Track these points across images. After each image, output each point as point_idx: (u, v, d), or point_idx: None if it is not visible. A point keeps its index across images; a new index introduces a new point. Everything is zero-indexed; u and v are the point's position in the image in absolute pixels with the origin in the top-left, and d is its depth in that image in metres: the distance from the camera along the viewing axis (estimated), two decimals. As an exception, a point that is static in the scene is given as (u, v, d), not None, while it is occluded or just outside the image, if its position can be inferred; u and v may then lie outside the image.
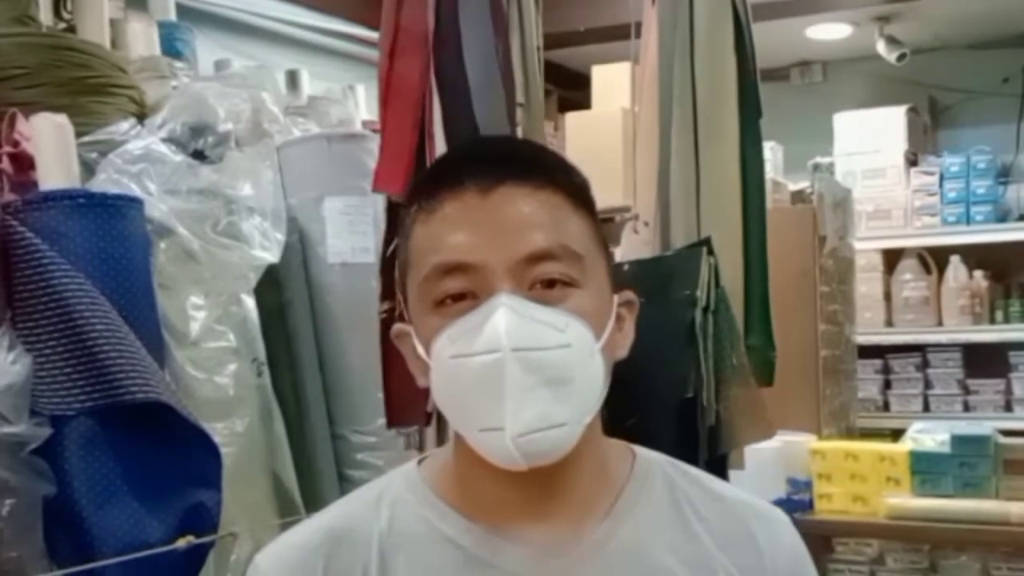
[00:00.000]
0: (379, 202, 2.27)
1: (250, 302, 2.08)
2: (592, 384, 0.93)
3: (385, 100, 1.91)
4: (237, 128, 2.40)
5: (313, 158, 2.43)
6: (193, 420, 1.82)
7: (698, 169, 1.91)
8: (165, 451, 1.81)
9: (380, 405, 2.18)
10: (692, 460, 1.84)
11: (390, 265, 1.92)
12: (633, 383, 1.89)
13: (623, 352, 1.00)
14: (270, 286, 2.18)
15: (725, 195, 1.91)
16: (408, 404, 1.93)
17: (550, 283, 0.92)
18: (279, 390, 2.14)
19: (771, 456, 3.16)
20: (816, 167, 5.02)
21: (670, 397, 1.86)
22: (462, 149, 1.03)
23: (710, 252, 1.83)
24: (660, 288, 1.85)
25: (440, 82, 1.83)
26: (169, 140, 2.22)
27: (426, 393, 1.79)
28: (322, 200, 2.38)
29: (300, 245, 2.34)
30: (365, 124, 3.29)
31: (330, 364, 2.33)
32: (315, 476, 2.20)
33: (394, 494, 1.00)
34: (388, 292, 1.92)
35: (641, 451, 1.07)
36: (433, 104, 1.82)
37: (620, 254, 1.92)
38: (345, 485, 2.29)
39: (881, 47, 4.86)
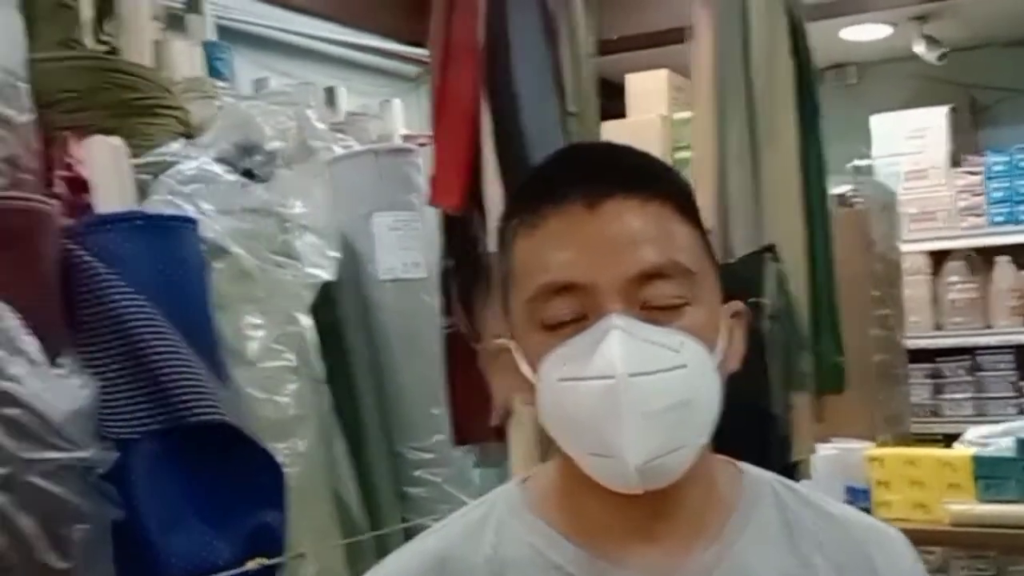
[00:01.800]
0: (429, 216, 2.25)
1: (306, 320, 2.07)
2: (709, 403, 0.91)
3: (439, 113, 1.90)
4: (284, 146, 2.39)
5: (361, 174, 2.42)
6: (257, 440, 1.80)
7: (757, 172, 1.88)
8: (230, 472, 1.79)
9: (437, 421, 2.16)
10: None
11: (449, 280, 1.90)
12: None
13: (735, 365, 0.97)
14: (325, 304, 2.17)
15: (786, 198, 1.88)
16: (474, 420, 1.90)
17: (662, 301, 0.89)
18: (337, 409, 2.12)
19: (828, 464, 3.11)
20: (857, 170, 4.96)
21: (738, 407, 1.82)
22: (564, 158, 0.96)
23: (775, 258, 1.79)
24: (724, 296, 1.82)
25: (490, 93, 1.81)
26: (219, 160, 2.21)
27: (491, 408, 1.77)
28: (371, 216, 2.37)
29: (351, 262, 2.33)
30: (404, 138, 3.28)
31: (385, 381, 2.32)
32: (375, 494, 2.18)
33: (498, 517, 0.97)
34: (450, 307, 1.90)
35: (748, 468, 1.03)
36: (483, 116, 1.80)
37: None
38: (404, 502, 2.27)
39: (920, 47, 4.80)
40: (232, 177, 2.08)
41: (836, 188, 4.10)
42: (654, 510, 0.92)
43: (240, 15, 3.70)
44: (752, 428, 1.81)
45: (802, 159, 1.90)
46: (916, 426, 4.38)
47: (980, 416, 4.50)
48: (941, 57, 4.79)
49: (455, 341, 1.86)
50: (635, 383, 0.85)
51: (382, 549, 2.02)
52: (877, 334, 3.58)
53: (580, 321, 0.88)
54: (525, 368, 0.91)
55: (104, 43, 2.80)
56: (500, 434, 1.84)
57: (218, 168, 2.08)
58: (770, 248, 1.81)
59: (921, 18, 4.79)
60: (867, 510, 3.05)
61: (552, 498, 0.97)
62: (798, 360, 1.81)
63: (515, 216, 0.93)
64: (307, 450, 1.96)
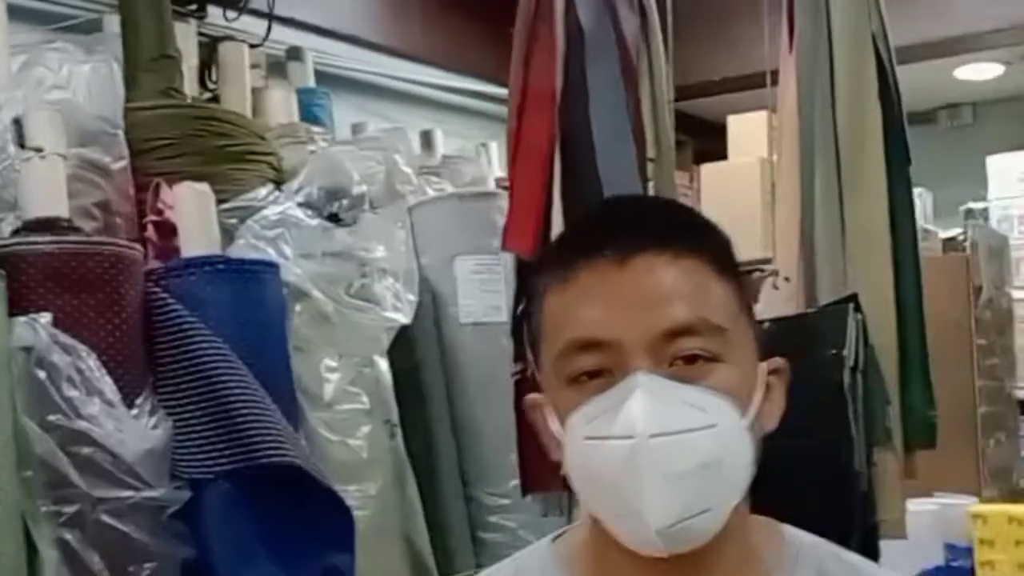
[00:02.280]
0: (510, 261, 2.25)
1: (383, 363, 2.08)
2: (740, 464, 0.87)
3: (514, 159, 1.90)
4: (371, 190, 2.42)
5: (445, 218, 2.44)
6: (326, 483, 1.82)
7: (843, 220, 1.82)
8: (300, 514, 1.81)
9: (513, 466, 2.14)
10: (845, 530, 1.75)
11: (521, 325, 1.89)
12: (777, 448, 1.81)
13: (772, 424, 0.94)
14: (402, 347, 2.18)
15: (873, 246, 1.82)
16: (544, 469, 1.86)
17: (691, 359, 0.87)
18: (411, 452, 2.13)
19: (927, 521, 2.98)
20: (969, 213, 4.80)
21: (819, 463, 1.76)
22: (596, 213, 0.96)
23: (857, 308, 1.73)
24: (804, 347, 1.76)
25: (565, 139, 1.81)
26: (306, 204, 2.26)
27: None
28: (453, 260, 2.38)
29: (432, 305, 2.34)
30: (498, 182, 3.30)
31: (462, 425, 2.32)
32: (448, 539, 2.17)
33: (528, 574, 0.96)
34: (520, 353, 1.89)
35: (792, 533, 0.99)
36: (556, 162, 1.79)
37: (759, 310, 1.84)
38: (479, 548, 2.26)
39: (1035, 86, 4.64)
40: (314, 221, 2.12)
41: (945, 232, 3.98)
42: (683, 573, 0.89)
43: (340, 61, 3.78)
44: (833, 484, 1.75)
45: (890, 205, 1.83)
46: (1030, 482, 4.18)
47: (1100, 473, 4.27)
48: (1057, 97, 4.62)
49: (525, 387, 1.84)
50: (657, 444, 0.83)
51: (455, 595, 2.01)
52: (983, 384, 3.43)
53: (606, 378, 0.86)
54: (555, 425, 0.89)
55: (210, 91, 2.92)
56: (567, 484, 1.81)
57: (301, 213, 2.12)
58: (852, 298, 1.75)
59: (1035, 57, 4.63)
60: (970, 570, 2.92)
61: (582, 556, 0.95)
62: (882, 414, 1.74)
63: (546, 271, 0.92)
64: (378, 493, 1.96)
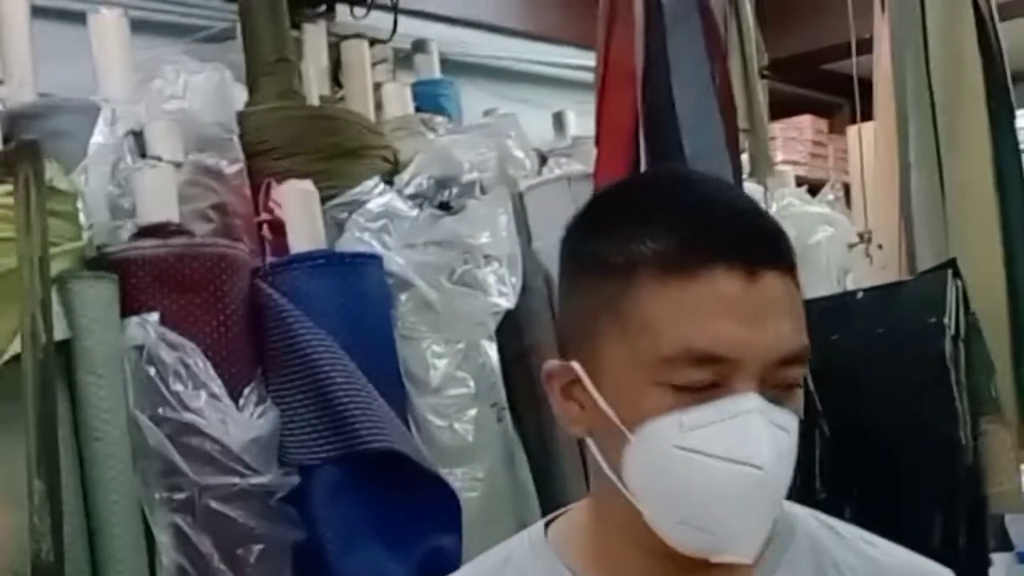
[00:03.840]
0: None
1: (490, 348, 2.12)
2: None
3: (599, 137, 1.90)
4: (483, 177, 2.46)
5: (555, 200, 2.44)
6: (428, 466, 1.87)
7: (943, 182, 1.74)
8: (405, 497, 1.87)
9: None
10: (950, 503, 1.69)
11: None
12: (882, 421, 1.75)
13: None
14: (513, 331, 2.21)
15: (978, 209, 1.73)
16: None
17: (791, 386, 0.85)
18: (525, 437, 2.16)
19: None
20: None
21: (923, 435, 1.70)
22: (710, 210, 0.87)
23: (956, 274, 1.65)
24: (902, 317, 1.71)
25: (648, 117, 1.79)
26: (417, 195, 2.32)
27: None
28: (565, 242, 2.39)
29: (546, 289, 2.35)
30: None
31: (581, 406, 2.33)
32: (565, 519, 2.19)
33: (518, 560, 0.96)
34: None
35: (784, 505, 0.96)
36: (641, 140, 1.78)
37: (852, 280, 1.78)
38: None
39: None
40: (416, 212, 2.17)
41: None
42: (694, 566, 0.88)
43: (473, 49, 3.84)
44: (936, 457, 1.69)
45: (996, 164, 1.74)
46: None
47: None
48: None
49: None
50: (777, 476, 0.82)
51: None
52: None
53: (709, 389, 0.82)
54: (608, 410, 0.85)
55: (338, 89, 3.03)
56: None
57: (403, 204, 2.18)
58: (952, 263, 1.67)
59: None
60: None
61: (576, 541, 0.95)
62: (988, 384, 1.66)
63: (646, 255, 0.84)
64: (487, 475, 2.00)
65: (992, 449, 1.66)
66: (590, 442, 0.88)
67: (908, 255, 1.78)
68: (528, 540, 0.98)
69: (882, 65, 1.85)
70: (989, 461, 1.65)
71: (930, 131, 1.75)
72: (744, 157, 1.90)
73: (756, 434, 0.80)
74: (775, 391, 0.83)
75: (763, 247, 0.84)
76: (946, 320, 1.65)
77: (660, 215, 0.86)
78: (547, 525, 0.98)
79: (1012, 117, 1.76)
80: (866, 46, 4.42)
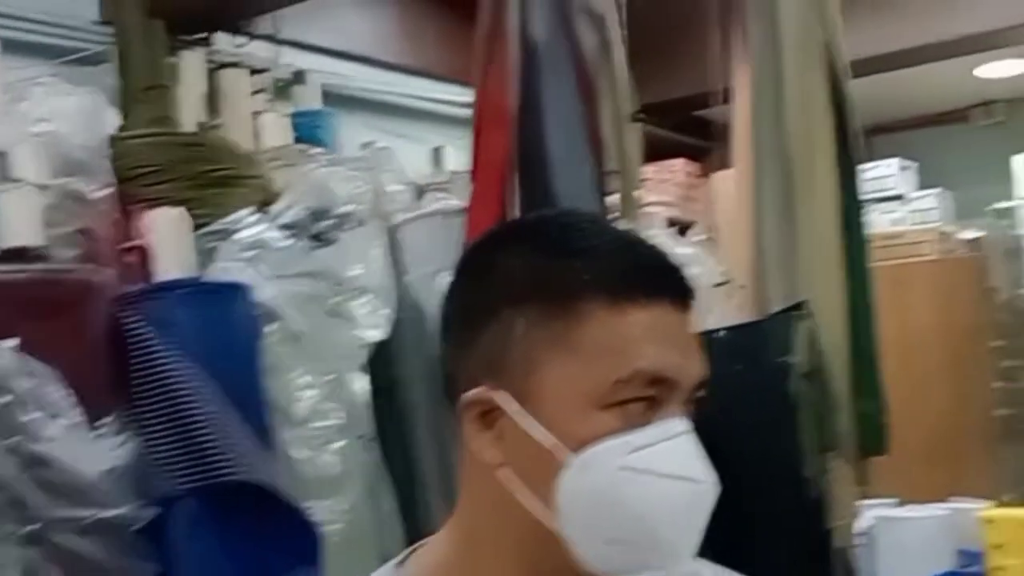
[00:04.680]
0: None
1: (358, 379, 2.12)
2: None
3: (473, 176, 1.94)
4: (357, 210, 2.47)
5: (429, 234, 2.47)
6: (290, 498, 1.86)
7: (793, 227, 1.83)
8: (266, 530, 1.86)
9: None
10: (797, 535, 1.76)
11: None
12: (731, 455, 1.81)
13: None
14: (384, 362, 2.22)
15: (824, 253, 1.82)
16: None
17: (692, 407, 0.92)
18: (392, 467, 2.17)
19: (937, 526, 2.96)
20: (996, 213, 4.72)
21: (774, 469, 1.77)
22: (653, 252, 0.93)
23: (805, 315, 1.74)
24: (755, 354, 1.78)
25: (521, 156, 1.84)
26: (290, 225, 2.32)
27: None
28: (439, 276, 2.41)
29: (417, 321, 2.38)
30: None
31: (448, 438, 2.35)
32: (431, 551, 2.20)
33: None
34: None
35: None
36: (512, 179, 1.82)
37: (715, 319, 1.85)
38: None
39: (1061, 81, 4.55)
40: (289, 242, 2.17)
41: (965, 233, 3.93)
42: None
43: (353, 81, 3.85)
44: (783, 491, 1.76)
45: (842, 213, 1.83)
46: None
47: None
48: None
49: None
50: (713, 489, 0.87)
51: (433, 607, 2.04)
52: (1001, 386, 3.37)
53: (648, 413, 0.87)
54: (545, 437, 0.87)
55: (215, 117, 3.00)
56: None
57: (276, 234, 2.17)
58: (801, 305, 1.75)
59: (1062, 51, 4.53)
60: (981, 575, 2.88)
61: (438, 574, 0.96)
62: (831, 421, 1.74)
63: (596, 287, 0.89)
64: (351, 507, 2.01)
65: (836, 484, 1.74)
66: (503, 472, 0.88)
67: (761, 296, 1.86)
68: (387, 574, 0.98)
69: (741, 114, 1.93)
70: (834, 495, 1.73)
71: (783, 179, 1.83)
72: (613, 198, 1.95)
73: (693, 452, 0.86)
74: (686, 414, 0.89)
75: (688, 285, 0.91)
76: (795, 359, 1.73)
77: (603, 250, 0.91)
78: (401, 562, 0.99)
79: (857, 169, 1.86)
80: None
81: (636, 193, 2.03)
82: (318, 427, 2.03)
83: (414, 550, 1.00)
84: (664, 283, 0.90)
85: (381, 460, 2.13)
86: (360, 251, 2.26)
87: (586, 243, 0.92)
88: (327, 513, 1.95)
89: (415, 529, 2.16)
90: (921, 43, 4.10)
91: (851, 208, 1.83)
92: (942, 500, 3.11)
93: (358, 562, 2.01)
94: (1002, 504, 3.20)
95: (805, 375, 1.73)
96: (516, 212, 1.84)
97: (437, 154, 3.77)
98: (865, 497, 1.89)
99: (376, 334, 2.16)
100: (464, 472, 0.95)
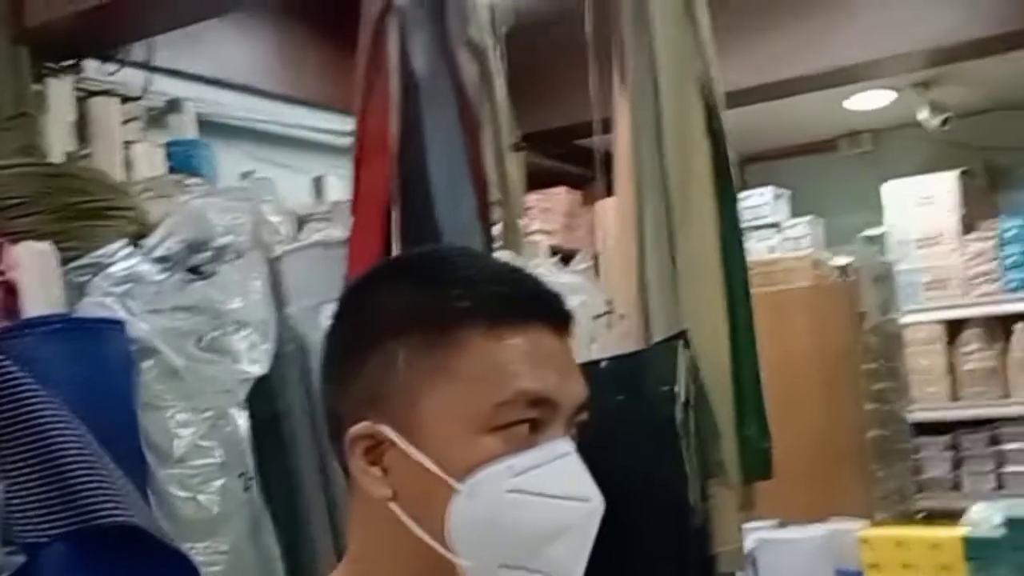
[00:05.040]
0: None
1: (239, 416, 2.07)
2: None
3: (354, 207, 1.92)
4: (237, 241, 2.42)
5: (311, 266, 2.43)
6: (168, 541, 1.80)
7: (674, 257, 1.86)
8: (144, 574, 1.79)
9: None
10: (680, 563, 1.77)
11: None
12: (614, 485, 1.82)
13: None
14: (265, 397, 2.17)
15: (704, 282, 1.86)
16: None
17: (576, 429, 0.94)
18: (274, 504, 2.11)
19: (817, 546, 3.02)
20: (867, 239, 4.90)
21: (657, 497, 1.79)
22: (528, 280, 0.96)
23: (686, 345, 1.76)
24: (638, 384, 1.80)
25: (402, 188, 1.83)
26: (165, 258, 2.25)
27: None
28: (321, 308, 2.37)
29: (299, 354, 2.33)
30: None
31: (332, 472, 2.30)
32: (316, 591, 2.16)
33: None
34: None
35: None
36: (394, 211, 1.81)
37: (598, 349, 1.87)
38: (350, 599, 2.24)
39: (924, 113, 4.76)
40: (163, 276, 2.11)
41: (837, 259, 4.05)
42: None
43: (229, 110, 3.79)
44: (668, 519, 1.77)
45: (721, 241, 1.87)
46: (934, 501, 4.25)
47: (1001, 490, 4.35)
48: (944, 122, 4.73)
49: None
50: (600, 507, 0.90)
51: (318, 648, 2.00)
52: (874, 408, 3.48)
53: (531, 436, 0.89)
54: (431, 466, 0.88)
55: (84, 146, 2.91)
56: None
57: (150, 267, 2.11)
58: (683, 334, 1.78)
59: (925, 84, 4.74)
60: (859, 594, 2.95)
61: None
62: (713, 448, 1.77)
63: (473, 314, 0.90)
64: (231, 548, 1.95)
65: (718, 511, 1.76)
66: (394, 506, 0.89)
67: (644, 326, 1.88)
68: None
69: (621, 144, 1.96)
70: (716, 522, 1.75)
71: (663, 209, 1.86)
72: (497, 228, 1.95)
73: (579, 471, 0.90)
74: (570, 436, 0.92)
75: (565, 311, 0.94)
76: (677, 388, 1.75)
77: (477, 280, 0.93)
78: None
79: (735, 198, 1.90)
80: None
81: (520, 222, 2.03)
82: (197, 465, 1.97)
83: None
84: (540, 308, 0.92)
85: (263, 498, 2.07)
86: (240, 284, 2.21)
87: (463, 273, 0.94)
88: (207, 554, 1.89)
89: (299, 569, 2.11)
90: (792, 75, 4.26)
91: (730, 236, 1.87)
92: (820, 520, 3.18)
93: (239, 605, 1.96)
94: (876, 524, 3.29)
95: (686, 404, 1.75)
96: (398, 244, 1.82)
97: (318, 184, 3.73)
98: (749, 520, 1.92)
99: (257, 369, 2.10)
100: (354, 509, 0.95)
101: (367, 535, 0.94)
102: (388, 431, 0.90)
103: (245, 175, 3.56)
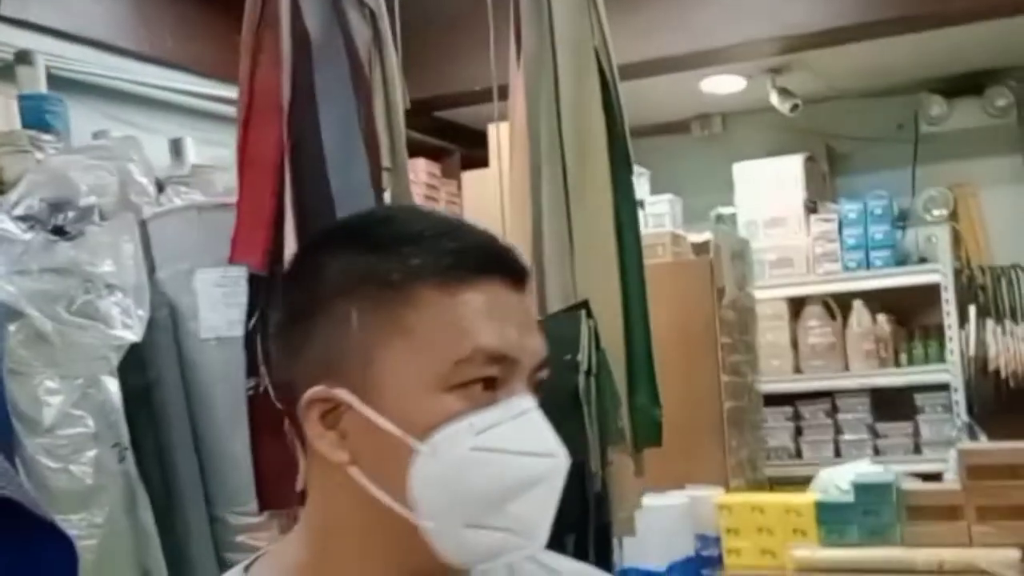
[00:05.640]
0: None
1: (112, 384, 1.98)
2: None
3: (241, 168, 1.85)
4: (102, 202, 2.30)
5: (183, 229, 2.34)
6: (42, 513, 1.70)
7: (570, 228, 1.87)
8: (15, 551, 1.69)
9: (258, 485, 2.09)
10: (582, 527, 1.80)
11: (254, 339, 1.84)
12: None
13: None
14: (136, 365, 2.08)
15: (600, 253, 1.88)
16: (280, 485, 1.83)
17: (536, 387, 0.92)
18: (147, 475, 2.03)
19: (679, 513, 3.11)
20: (719, 218, 5.06)
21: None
22: (480, 235, 0.93)
23: (589, 315, 1.78)
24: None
25: (294, 150, 1.77)
26: (26, 217, 2.12)
27: (296, 472, 1.69)
28: (194, 273, 2.29)
29: (171, 320, 2.24)
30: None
31: (206, 443, 2.23)
32: (190, 564, 2.09)
33: None
34: (254, 368, 1.84)
35: None
36: (285, 173, 1.75)
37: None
38: (225, 570, 2.18)
39: (774, 98, 4.93)
40: (30, 236, 1.99)
41: (695, 236, 4.17)
42: None
43: (83, 66, 3.59)
44: (570, 486, 1.78)
45: (616, 213, 1.89)
46: (778, 469, 4.44)
47: (838, 458, 4.58)
48: (793, 108, 4.91)
49: (259, 402, 1.79)
50: (566, 463, 0.89)
51: (195, 622, 1.94)
52: (729, 380, 3.61)
53: (491, 393, 0.87)
54: (390, 427, 0.86)
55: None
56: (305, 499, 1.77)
57: (14, 227, 1.99)
58: (583, 304, 1.79)
59: (775, 71, 4.91)
60: (718, 558, 3.07)
61: None
62: (614, 415, 1.79)
63: (426, 271, 0.88)
64: (106, 521, 1.86)
65: (619, 477, 1.79)
66: (353, 471, 0.87)
67: (540, 296, 1.88)
68: None
69: (517, 113, 1.95)
70: (617, 488, 1.78)
71: (560, 181, 1.87)
72: (387, 195, 1.92)
73: (542, 427, 0.88)
74: (531, 392, 0.90)
75: (520, 264, 0.92)
76: (580, 357, 1.76)
77: (427, 236, 0.90)
78: (247, 567, 0.95)
79: (630, 170, 1.92)
80: (485, 96, 4.67)
81: (409, 190, 2.01)
82: (68, 435, 1.87)
83: (258, 557, 0.96)
84: (493, 261, 0.90)
85: (137, 470, 1.98)
86: (110, 246, 2.10)
87: (412, 228, 0.92)
88: (81, 527, 1.80)
89: (175, 543, 2.04)
90: (650, 56, 4.34)
91: (625, 207, 1.89)
92: (678, 488, 3.28)
93: (113, 579, 1.88)
94: (732, 491, 3.42)
95: (588, 372, 1.77)
96: (289, 207, 1.77)
97: (176, 146, 3.58)
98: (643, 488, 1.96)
99: (131, 335, 2.01)
100: (312, 477, 0.93)
101: (327, 503, 0.91)
102: (344, 394, 0.87)
103: (97, 134, 3.39)
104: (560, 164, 1.87)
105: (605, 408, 1.75)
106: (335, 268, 0.90)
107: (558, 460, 0.88)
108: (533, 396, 0.89)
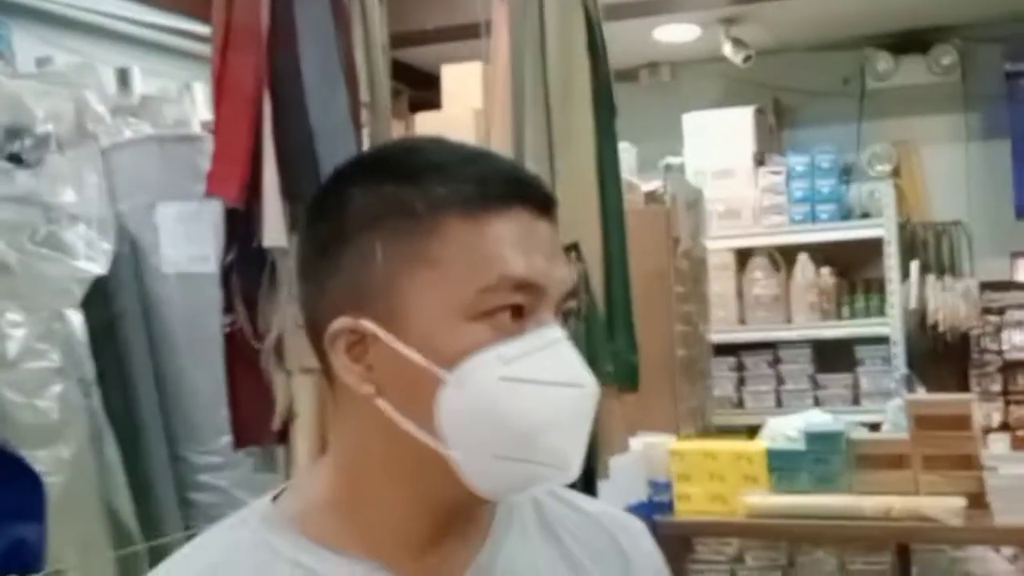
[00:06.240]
0: (219, 208, 2.14)
1: (76, 317, 1.93)
2: None
3: (218, 100, 1.79)
4: (58, 129, 2.22)
5: (144, 162, 2.28)
6: (10, 449, 1.66)
7: (553, 171, 1.85)
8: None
9: (225, 423, 2.05)
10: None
11: (231, 275, 1.80)
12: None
13: None
14: (99, 299, 2.03)
15: (583, 197, 1.86)
16: (256, 423, 1.80)
17: (566, 317, 0.91)
18: (111, 411, 1.99)
19: (632, 459, 3.13)
20: (668, 168, 5.06)
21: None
22: (504, 164, 0.92)
23: (579, 258, 1.76)
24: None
25: (274, 81, 1.72)
26: (-19, 143, 2.04)
27: (272, 410, 1.67)
28: (155, 206, 2.23)
29: (132, 255, 2.19)
30: (204, 125, 3.13)
31: (169, 381, 2.19)
32: (153, 502, 2.06)
33: (257, 538, 0.89)
34: (231, 304, 1.80)
35: None
36: (265, 105, 1.70)
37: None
38: (187, 510, 2.15)
39: (727, 49, 4.93)
40: (-9, 162, 1.92)
41: (646, 185, 4.17)
42: (458, 518, 0.90)
43: (25, -12, 3.45)
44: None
45: (598, 156, 1.87)
46: (721, 418, 4.50)
47: (780, 408, 4.66)
48: (746, 59, 4.93)
49: (235, 340, 1.76)
50: (595, 392, 0.87)
51: (159, 560, 1.90)
52: (681, 330, 3.64)
53: (520, 322, 0.85)
54: (417, 358, 0.84)
55: None
56: (283, 437, 1.75)
57: (-28, 152, 1.91)
58: (574, 247, 1.78)
59: (728, 21, 4.91)
60: (669, 503, 3.11)
61: (319, 513, 0.90)
62: (604, 359, 1.79)
63: (451, 200, 0.86)
64: (72, 457, 1.82)
65: (608, 419, 1.79)
66: (380, 402, 0.86)
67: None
68: (259, 515, 0.91)
69: (499, 54, 1.92)
70: (607, 431, 1.78)
71: (544, 124, 1.84)
72: (364, 132, 1.87)
73: (571, 358, 0.87)
74: (558, 322, 0.89)
75: (546, 192, 0.91)
76: (573, 300, 1.75)
77: (451, 165, 0.89)
78: (275, 499, 0.93)
79: (613, 114, 1.90)
80: (438, 36, 4.58)
81: (389, 127, 1.96)
82: (32, 369, 1.82)
83: (284, 490, 0.94)
84: (518, 189, 0.89)
85: (102, 405, 1.94)
86: (72, 176, 2.04)
87: (436, 158, 0.91)
88: (47, 463, 1.76)
89: (140, 479, 2.00)
90: (609, 2, 4.31)
91: (607, 152, 1.87)
92: (630, 435, 3.30)
93: (80, 516, 1.84)
94: (682, 437, 3.46)
95: (578, 314, 1.76)
96: (269, 139, 1.72)
97: (123, 76, 3.46)
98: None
99: (96, 268, 1.96)
100: (338, 411, 0.91)
101: (353, 437, 0.89)
102: (370, 324, 0.86)
103: (42, 61, 3.27)
104: (544, 107, 1.84)
105: (596, 352, 1.74)
106: (359, 200, 0.89)
107: (588, 390, 0.87)
108: (561, 326, 0.88)
